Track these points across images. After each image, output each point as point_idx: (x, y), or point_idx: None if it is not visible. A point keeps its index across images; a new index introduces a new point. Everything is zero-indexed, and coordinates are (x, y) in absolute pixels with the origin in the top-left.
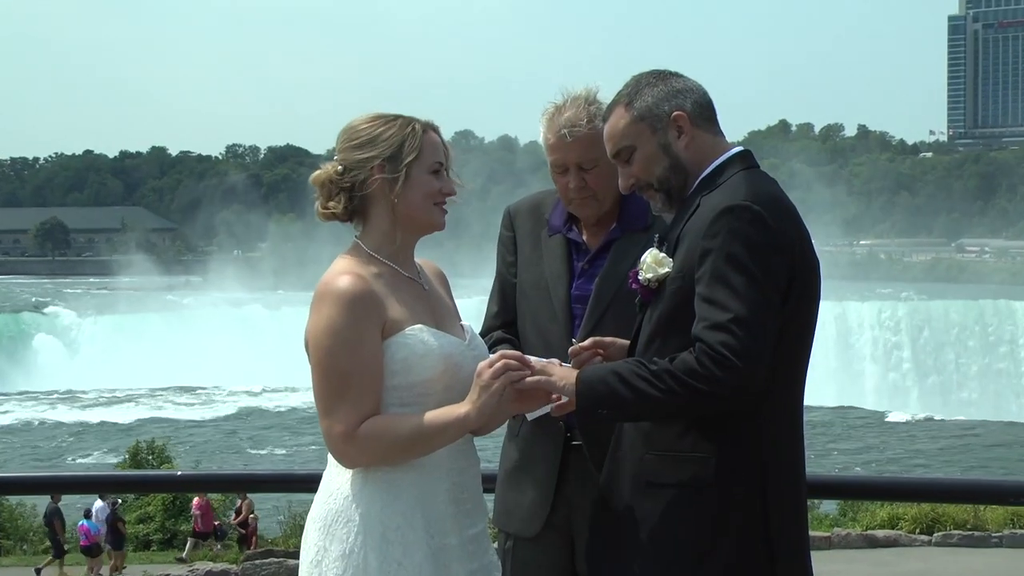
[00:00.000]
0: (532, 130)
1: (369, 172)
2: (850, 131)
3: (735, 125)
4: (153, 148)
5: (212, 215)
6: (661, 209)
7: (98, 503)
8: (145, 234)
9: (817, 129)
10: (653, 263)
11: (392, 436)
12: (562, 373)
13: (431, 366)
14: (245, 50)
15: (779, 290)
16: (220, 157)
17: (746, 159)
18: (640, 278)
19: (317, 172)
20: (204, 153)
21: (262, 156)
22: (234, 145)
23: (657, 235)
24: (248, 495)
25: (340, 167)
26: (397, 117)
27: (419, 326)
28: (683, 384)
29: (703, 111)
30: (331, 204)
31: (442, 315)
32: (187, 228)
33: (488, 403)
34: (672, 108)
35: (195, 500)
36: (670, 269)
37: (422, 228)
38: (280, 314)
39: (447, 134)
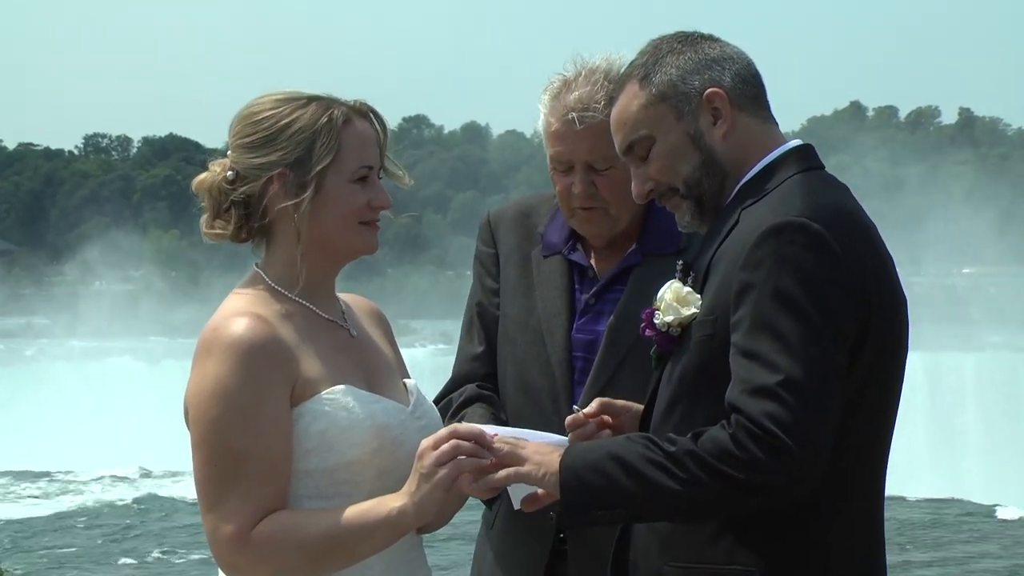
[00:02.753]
0: (507, 117)
1: (266, 183)
2: (949, 117)
3: (788, 108)
4: None
5: (64, 232)
6: (690, 224)
7: None
8: None
9: (903, 114)
10: (675, 301)
11: (299, 540)
12: (538, 457)
13: (359, 443)
14: (108, 9)
15: (846, 341)
16: (76, 152)
17: (805, 157)
18: (657, 322)
19: (203, 175)
20: (53, 146)
21: (134, 150)
22: (95, 136)
23: (680, 262)
24: None
25: (231, 172)
26: (311, 100)
27: (342, 387)
28: (712, 472)
29: (748, 88)
30: (218, 223)
31: (377, 371)
32: (29, 250)
33: (430, 498)
34: (705, 83)
35: None
36: (697, 309)
37: (341, 255)
38: (160, 371)
39: (391, 119)
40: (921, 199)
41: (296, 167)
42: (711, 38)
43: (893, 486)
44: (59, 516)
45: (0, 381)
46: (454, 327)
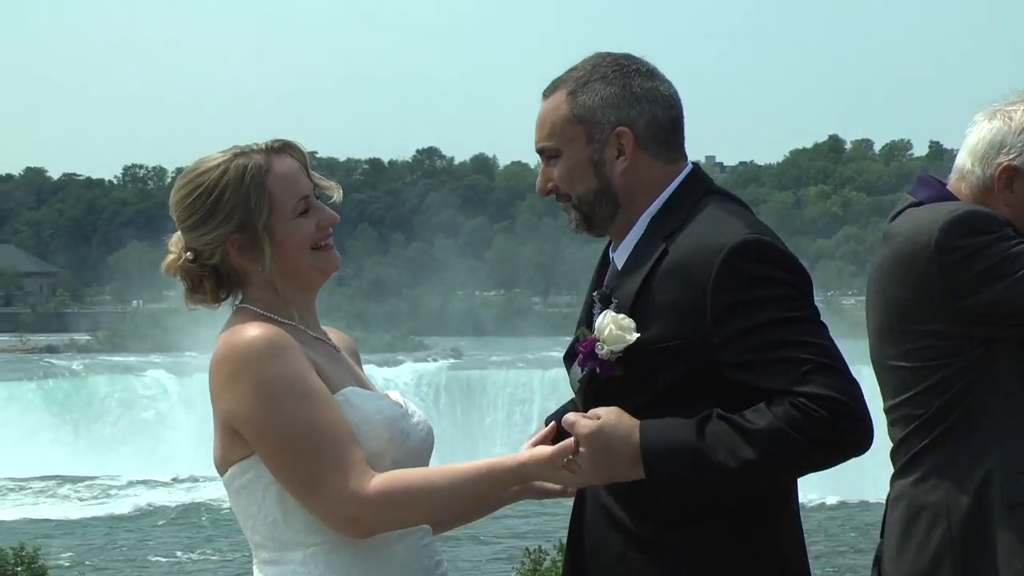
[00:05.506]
0: (513, 149)
1: (224, 251)
2: (920, 149)
3: (771, 142)
4: (28, 170)
5: (104, 255)
6: (576, 229)
7: None
8: (17, 279)
9: (878, 147)
10: (618, 330)
11: (422, 489)
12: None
13: (374, 436)
14: (144, 45)
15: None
16: (115, 181)
17: (699, 178)
18: (601, 352)
19: (168, 259)
20: (95, 176)
21: (169, 180)
22: (133, 166)
23: (597, 293)
24: None
25: (189, 253)
26: (227, 162)
27: (350, 387)
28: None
29: (660, 132)
30: (198, 296)
31: (361, 383)
32: (72, 272)
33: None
34: (619, 120)
35: None
36: (638, 334)
37: (311, 280)
38: (191, 383)
39: (406, 150)
40: None
41: (243, 229)
42: (647, 73)
43: None
44: (96, 519)
45: (45, 394)
46: (464, 343)
